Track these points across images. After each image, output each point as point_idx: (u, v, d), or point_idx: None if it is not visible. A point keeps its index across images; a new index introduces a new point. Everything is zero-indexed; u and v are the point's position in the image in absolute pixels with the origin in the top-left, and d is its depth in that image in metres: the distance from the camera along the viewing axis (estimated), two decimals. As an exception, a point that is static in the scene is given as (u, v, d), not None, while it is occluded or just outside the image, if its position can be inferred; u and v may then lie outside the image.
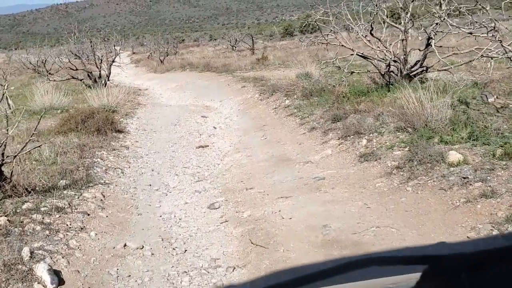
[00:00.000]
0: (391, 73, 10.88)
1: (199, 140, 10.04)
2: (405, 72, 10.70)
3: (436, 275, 0.84)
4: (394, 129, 7.21)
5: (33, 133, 5.84)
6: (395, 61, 10.72)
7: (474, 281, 0.80)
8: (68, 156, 7.69)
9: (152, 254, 4.75)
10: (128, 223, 5.56)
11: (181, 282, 4.23)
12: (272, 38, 54.92)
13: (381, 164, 6.24)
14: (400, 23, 11.21)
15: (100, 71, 18.89)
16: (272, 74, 18.36)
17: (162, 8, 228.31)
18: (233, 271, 4.33)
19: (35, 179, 6.32)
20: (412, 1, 11.03)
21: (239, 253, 4.64)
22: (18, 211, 5.27)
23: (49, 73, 20.17)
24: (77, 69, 18.49)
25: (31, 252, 4.34)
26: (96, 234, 5.06)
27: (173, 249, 4.88)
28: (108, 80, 19.00)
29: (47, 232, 4.84)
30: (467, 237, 4.02)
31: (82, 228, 5.12)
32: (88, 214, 5.51)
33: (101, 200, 6.07)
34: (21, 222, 4.98)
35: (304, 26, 57.97)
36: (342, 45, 11.01)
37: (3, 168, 5.73)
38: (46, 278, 3.97)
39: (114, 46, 20.92)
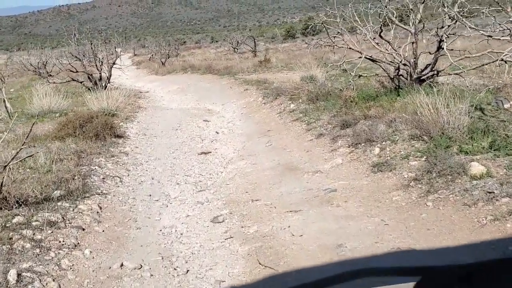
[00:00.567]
0: (400, 76, 10.49)
1: (201, 146, 9.65)
2: (415, 76, 10.31)
3: (429, 286, 0.84)
4: (408, 137, 6.81)
5: (24, 142, 5.45)
6: (404, 64, 10.33)
7: None
8: (64, 164, 7.31)
9: (151, 275, 4.35)
10: (125, 238, 5.17)
11: (182, 309, 3.84)
12: (274, 40, 54.59)
13: (397, 175, 5.84)
14: (408, 25, 10.83)
15: (100, 73, 18.53)
16: (275, 76, 17.99)
17: (163, 10, 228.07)
18: (240, 296, 3.94)
19: (28, 190, 5.93)
20: (423, 2, 10.65)
21: (246, 275, 4.25)
22: (7, 225, 4.88)
23: (50, 75, 19.83)
24: (77, 71, 18.13)
25: (19, 275, 3.95)
26: (91, 252, 4.67)
27: (174, 269, 4.49)
28: (109, 82, 18.65)
29: (38, 250, 4.45)
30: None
31: (76, 245, 4.73)
32: (83, 229, 5.12)
33: (97, 212, 5.68)
34: (10, 238, 4.59)
35: (306, 29, 57.87)
36: (350, 48, 10.62)
37: (-8, 179, 5.35)
38: (34, 305, 3.59)
39: (115, 48, 20.55)
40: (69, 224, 5.11)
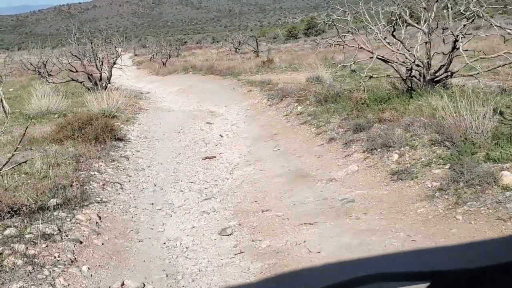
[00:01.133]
0: (413, 78, 10.07)
1: (205, 150, 9.24)
2: (428, 77, 9.89)
3: None
4: (428, 142, 6.39)
5: (16, 147, 5.03)
6: (417, 65, 9.91)
7: None
8: (62, 169, 6.89)
9: (155, 296, 3.94)
10: (127, 252, 4.75)
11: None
12: (276, 41, 54.25)
13: (419, 185, 5.41)
14: (420, 25, 10.41)
15: (101, 73, 18.14)
16: (279, 77, 17.58)
17: (164, 10, 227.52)
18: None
19: (22, 198, 5.51)
20: (436, 1, 10.24)
21: (261, 297, 3.83)
22: (-2, 238, 4.47)
23: (50, 75, 19.45)
24: (77, 71, 17.74)
25: (7, 298, 3.54)
26: (88, 268, 4.25)
27: (180, 289, 4.07)
28: (109, 82, 18.26)
29: (30, 267, 4.02)
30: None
31: (72, 261, 4.31)
32: (81, 242, 4.70)
33: (96, 223, 5.26)
34: (0, 254, 4.18)
35: (308, 29, 57.49)
36: (361, 47, 10.19)
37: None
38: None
39: (116, 47, 20.15)
40: (66, 237, 4.69)
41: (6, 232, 4.60)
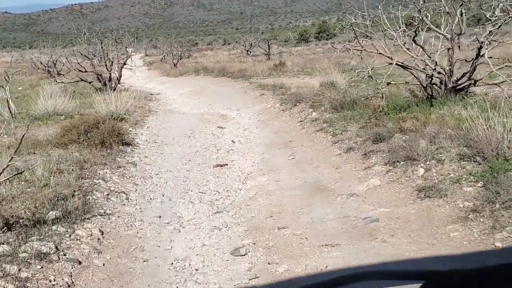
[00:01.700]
0: (433, 85, 9.61)
1: (216, 156, 8.82)
2: (450, 85, 9.41)
3: None
4: (456, 156, 5.92)
5: (12, 157, 4.63)
6: (439, 72, 9.44)
7: None
8: (65, 176, 6.50)
9: (160, 329, 3.52)
10: (130, 274, 4.33)
11: None
12: (287, 44, 53.89)
13: (450, 204, 4.95)
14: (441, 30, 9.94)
15: (110, 73, 17.80)
16: (291, 81, 17.16)
17: (176, 11, 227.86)
18: None
19: (19, 209, 5.13)
20: (461, 5, 9.76)
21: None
22: (-10, 257, 4.08)
23: (60, 74, 19.16)
24: (86, 71, 17.42)
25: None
26: (87, 294, 3.84)
27: (189, 320, 3.65)
28: (119, 83, 17.92)
29: (22, 293, 3.63)
30: None
31: (69, 286, 3.89)
32: (80, 263, 4.29)
33: (98, 239, 4.85)
34: (-10, 276, 3.78)
35: (320, 33, 57.07)
36: (380, 53, 9.74)
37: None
38: None
39: (126, 48, 19.82)
40: (63, 256, 4.28)
41: (0, 250, 4.21)
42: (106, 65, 18.08)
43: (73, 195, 5.79)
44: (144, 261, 4.62)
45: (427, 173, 5.78)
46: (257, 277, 4.23)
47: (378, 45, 9.93)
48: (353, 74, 11.61)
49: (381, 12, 10.17)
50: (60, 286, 3.83)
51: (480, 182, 5.14)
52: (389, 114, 9.09)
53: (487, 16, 9.16)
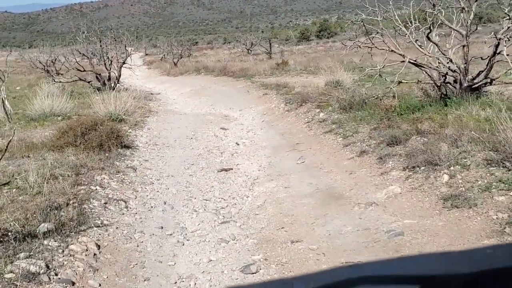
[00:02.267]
0: (448, 84, 9.15)
1: (220, 160, 8.36)
2: (465, 84, 8.96)
3: None
4: (483, 161, 5.47)
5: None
6: (453, 70, 8.99)
7: None
8: (60, 182, 6.05)
9: None
10: (129, 296, 3.88)
11: None
12: (288, 42, 53.54)
13: (481, 216, 4.49)
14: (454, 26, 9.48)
15: (109, 72, 17.37)
16: (294, 80, 16.72)
17: (176, 10, 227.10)
18: None
19: (8, 221, 4.68)
20: (476, 0, 9.31)
21: None
22: (-28, 278, 3.63)
23: (59, 73, 18.73)
24: (84, 70, 16.97)
25: None
26: (80, 321, 3.39)
27: None
28: (118, 82, 17.49)
29: (5, 322, 3.18)
30: None
31: (60, 312, 3.45)
32: (73, 283, 3.83)
33: (94, 255, 4.39)
34: (-30, 301, 3.34)
35: (321, 31, 56.69)
36: (392, 50, 9.28)
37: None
38: None
39: (126, 47, 19.36)
40: (55, 277, 3.82)
41: (-17, 269, 3.76)
42: (105, 64, 17.65)
43: (67, 204, 5.33)
44: (144, 280, 4.16)
45: (451, 180, 5.32)
46: (272, 300, 3.77)
47: (389, 42, 9.48)
48: (361, 73, 11.16)
49: (392, 8, 9.72)
50: (50, 313, 3.38)
51: (513, 190, 4.69)
52: (402, 114, 8.64)
53: (505, 11, 8.71)
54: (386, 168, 6.36)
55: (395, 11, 9.73)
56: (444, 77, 9.08)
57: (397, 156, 6.55)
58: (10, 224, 4.59)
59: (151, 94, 18.09)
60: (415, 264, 1.19)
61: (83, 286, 3.83)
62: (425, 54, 9.34)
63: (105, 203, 5.75)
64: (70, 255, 4.23)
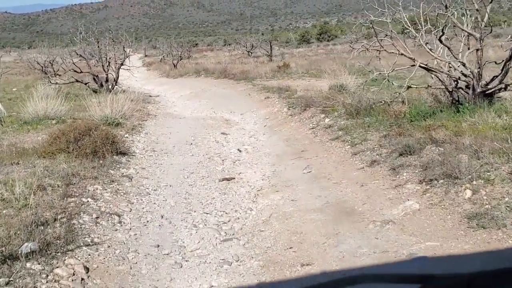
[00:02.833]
0: (459, 89, 8.72)
1: (221, 168, 7.90)
2: (478, 90, 8.52)
3: None
4: (508, 175, 5.02)
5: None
6: (466, 75, 8.56)
7: None
8: (48, 194, 5.60)
9: None
10: (120, 330, 3.42)
11: None
12: (288, 45, 53.16)
13: (512, 238, 4.05)
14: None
15: (107, 74, 16.94)
16: (297, 83, 16.31)
17: (176, 12, 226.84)
18: None
19: (-13, 239, 4.22)
20: (490, 2, 8.88)
21: None
22: None
23: (56, 74, 18.32)
24: (81, 72, 16.52)
25: None
26: None
27: None
28: (116, 84, 17.06)
29: None
30: None
31: None
32: (56, 316, 3.38)
33: (82, 279, 3.93)
34: None
35: (321, 34, 56.33)
36: (401, 53, 8.85)
37: None
38: None
39: (124, 48, 18.93)
40: (35, 309, 3.38)
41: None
42: (103, 65, 17.22)
43: (55, 220, 4.87)
44: (138, 310, 3.70)
45: (475, 196, 4.86)
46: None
47: (399, 45, 9.05)
48: (367, 77, 10.71)
49: (401, 10, 9.29)
50: None
51: (545, 210, 4.24)
52: (412, 121, 8.21)
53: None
54: (400, 180, 5.91)
55: (404, 13, 9.31)
56: (456, 82, 8.66)
57: (411, 167, 6.10)
58: (-10, 244, 4.14)
59: (150, 96, 17.65)
60: None
61: (67, 320, 3.38)
62: (435, 58, 8.92)
63: (97, 217, 5.29)
64: (55, 281, 3.78)
